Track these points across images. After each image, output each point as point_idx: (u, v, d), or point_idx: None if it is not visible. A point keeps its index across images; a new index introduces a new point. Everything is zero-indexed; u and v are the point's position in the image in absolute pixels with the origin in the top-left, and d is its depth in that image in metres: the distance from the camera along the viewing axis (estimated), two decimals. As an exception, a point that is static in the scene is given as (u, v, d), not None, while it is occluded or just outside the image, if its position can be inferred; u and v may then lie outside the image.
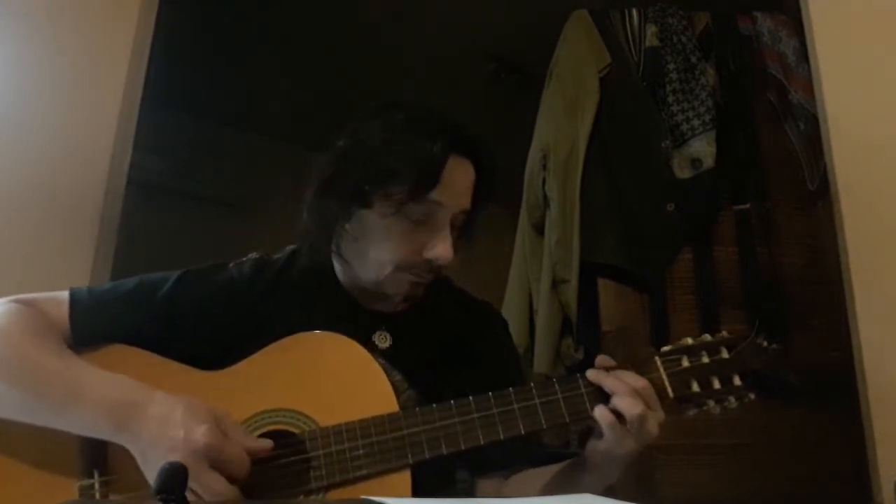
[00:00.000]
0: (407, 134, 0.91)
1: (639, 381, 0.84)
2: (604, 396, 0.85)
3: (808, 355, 1.63)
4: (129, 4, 1.58)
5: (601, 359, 0.89)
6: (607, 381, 0.85)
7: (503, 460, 0.98)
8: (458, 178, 0.92)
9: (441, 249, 0.91)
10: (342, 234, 0.96)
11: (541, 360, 1.86)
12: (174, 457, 0.73)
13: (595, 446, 0.85)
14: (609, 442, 0.83)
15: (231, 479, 0.76)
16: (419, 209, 0.90)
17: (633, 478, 1.67)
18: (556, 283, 1.87)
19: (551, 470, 0.95)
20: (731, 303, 1.79)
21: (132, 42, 1.56)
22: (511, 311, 1.98)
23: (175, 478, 0.57)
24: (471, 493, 0.98)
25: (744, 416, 0.90)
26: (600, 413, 0.83)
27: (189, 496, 0.73)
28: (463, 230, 0.97)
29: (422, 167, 0.89)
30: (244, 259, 1.02)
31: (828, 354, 1.64)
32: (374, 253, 0.93)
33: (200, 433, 0.75)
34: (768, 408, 0.89)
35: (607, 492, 0.84)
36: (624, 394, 0.83)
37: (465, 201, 0.93)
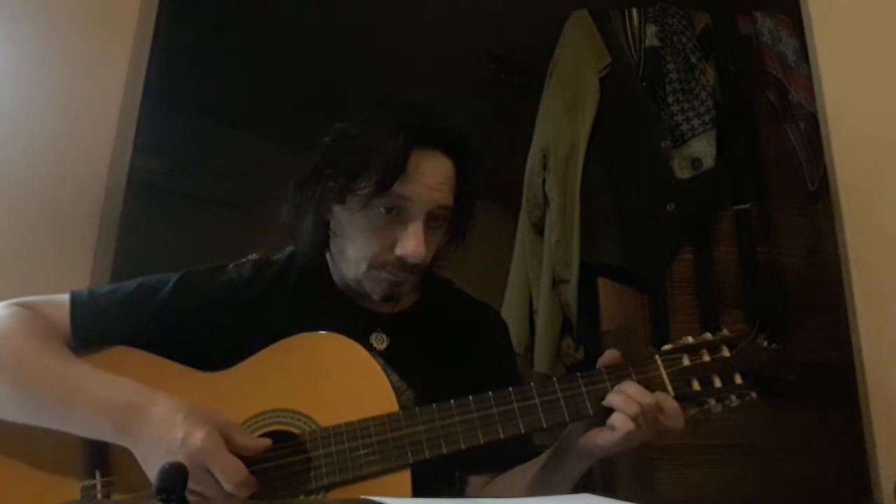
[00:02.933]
0: (377, 129, 0.91)
1: (643, 398, 0.84)
2: (605, 395, 0.85)
3: (808, 355, 1.63)
4: (129, 4, 1.58)
5: (610, 354, 0.89)
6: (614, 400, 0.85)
7: (496, 461, 0.98)
8: (428, 172, 0.90)
9: (410, 246, 0.89)
10: (329, 231, 0.97)
11: (541, 360, 1.86)
12: (172, 459, 0.73)
13: (595, 438, 0.85)
14: (616, 448, 0.84)
15: (226, 486, 0.77)
16: (386, 203, 0.89)
17: (632, 477, 1.67)
18: (556, 283, 1.87)
19: (533, 464, 0.95)
20: (731, 303, 1.79)
21: (132, 42, 1.55)
22: (511, 311, 1.98)
23: (175, 478, 0.57)
24: (461, 491, 0.98)
25: (744, 417, 0.91)
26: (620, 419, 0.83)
27: (192, 497, 0.74)
28: (452, 228, 0.97)
29: (384, 160, 0.88)
30: (244, 260, 1.02)
31: (828, 354, 1.64)
32: (350, 250, 0.94)
33: (199, 437, 0.76)
34: (768, 408, 0.89)
35: (607, 492, 0.84)
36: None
37: (439, 196, 0.91)
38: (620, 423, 0.82)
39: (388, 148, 0.88)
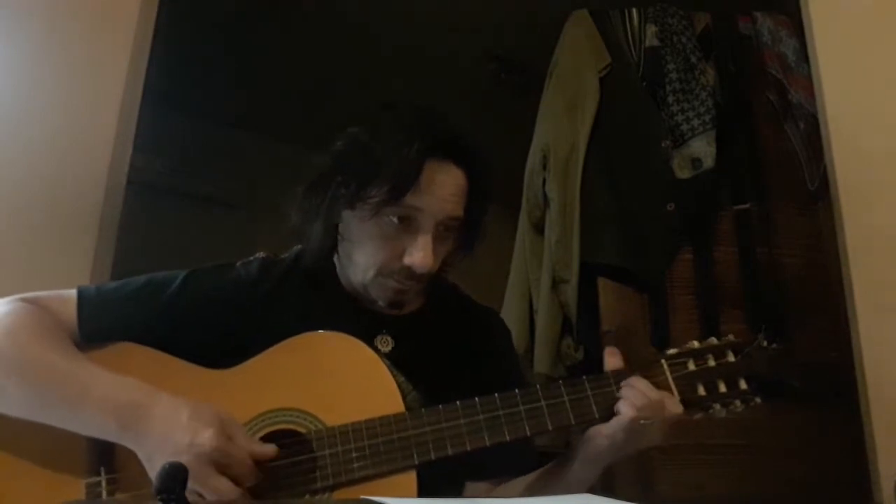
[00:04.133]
0: (390, 137, 0.91)
1: (650, 392, 0.85)
2: (611, 399, 0.86)
3: (808, 355, 1.63)
4: (129, 4, 1.58)
5: (609, 352, 0.90)
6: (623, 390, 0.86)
7: (498, 467, 0.98)
8: (441, 183, 0.90)
9: (419, 256, 0.89)
10: (338, 235, 0.96)
11: (541, 360, 1.86)
12: (179, 461, 0.73)
13: (601, 429, 0.86)
14: (619, 438, 0.84)
15: (236, 482, 0.77)
16: (397, 213, 0.89)
17: (633, 478, 1.67)
18: (556, 283, 1.87)
19: (538, 473, 0.95)
20: (731, 303, 1.79)
21: (132, 42, 1.55)
22: (511, 311, 1.98)
23: (175, 478, 0.57)
24: (461, 494, 0.98)
25: (744, 417, 0.90)
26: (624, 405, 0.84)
27: (194, 499, 0.74)
28: (461, 238, 0.97)
29: (397, 170, 0.87)
30: (251, 259, 1.02)
31: (828, 354, 1.64)
32: (358, 256, 0.94)
33: (206, 437, 0.75)
34: (768, 408, 0.89)
35: (607, 492, 0.84)
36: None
37: (451, 207, 0.91)
38: (625, 408, 0.84)
39: (401, 157, 0.88)
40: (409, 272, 0.91)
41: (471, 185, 0.94)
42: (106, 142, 1.50)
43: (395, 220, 0.90)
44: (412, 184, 0.88)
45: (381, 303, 0.95)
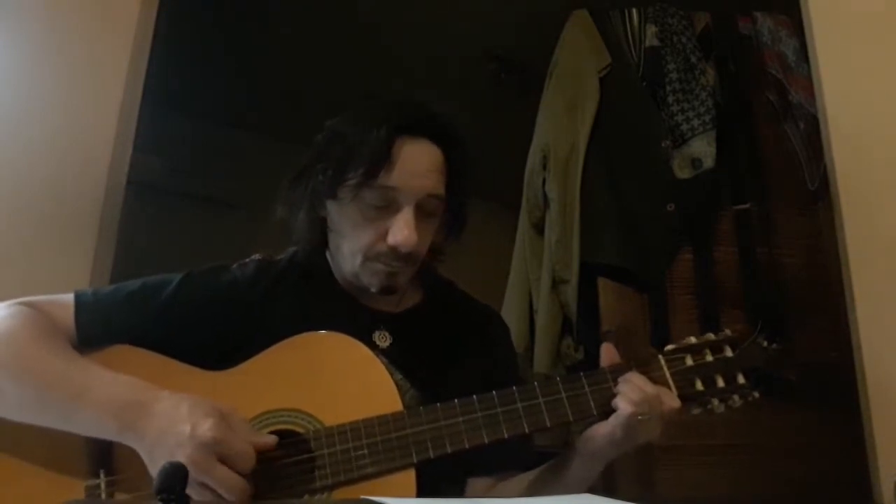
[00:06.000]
0: (362, 121, 0.93)
1: (647, 387, 0.85)
2: (608, 394, 0.86)
3: (808, 355, 1.63)
4: (129, 4, 1.58)
5: (606, 348, 0.90)
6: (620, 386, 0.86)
7: (497, 463, 0.98)
8: (414, 160, 0.91)
9: (402, 234, 0.90)
10: (327, 229, 0.98)
11: (541, 360, 1.86)
12: (181, 452, 0.74)
13: (599, 429, 0.86)
14: (618, 435, 0.84)
15: (239, 473, 0.77)
16: (374, 194, 0.90)
17: (633, 478, 1.67)
18: (556, 283, 1.87)
19: (538, 471, 0.95)
20: (731, 303, 1.79)
21: (132, 42, 1.55)
22: (511, 310, 1.98)
23: (175, 478, 0.57)
24: (461, 492, 0.98)
25: (744, 417, 0.91)
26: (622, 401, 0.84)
27: (200, 491, 0.73)
28: (448, 223, 0.98)
29: (368, 150, 0.89)
30: (247, 260, 1.03)
31: (828, 354, 1.64)
32: (345, 243, 0.95)
33: (207, 427, 0.75)
34: (768, 408, 0.89)
35: (608, 492, 0.84)
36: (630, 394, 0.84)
37: (429, 184, 0.92)
38: (623, 404, 0.83)
39: (372, 138, 0.89)
40: (395, 252, 0.91)
41: (448, 161, 0.95)
42: (106, 142, 1.50)
43: (374, 204, 0.91)
44: (384, 160, 0.89)
45: (373, 289, 0.95)
